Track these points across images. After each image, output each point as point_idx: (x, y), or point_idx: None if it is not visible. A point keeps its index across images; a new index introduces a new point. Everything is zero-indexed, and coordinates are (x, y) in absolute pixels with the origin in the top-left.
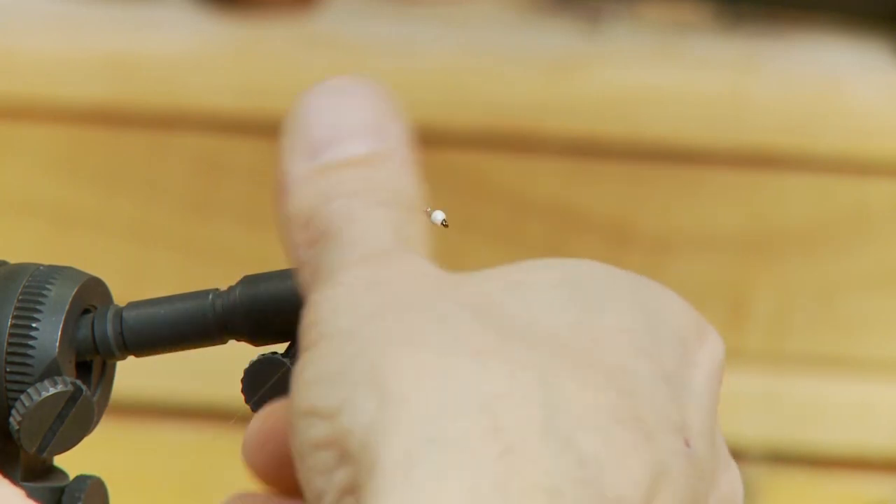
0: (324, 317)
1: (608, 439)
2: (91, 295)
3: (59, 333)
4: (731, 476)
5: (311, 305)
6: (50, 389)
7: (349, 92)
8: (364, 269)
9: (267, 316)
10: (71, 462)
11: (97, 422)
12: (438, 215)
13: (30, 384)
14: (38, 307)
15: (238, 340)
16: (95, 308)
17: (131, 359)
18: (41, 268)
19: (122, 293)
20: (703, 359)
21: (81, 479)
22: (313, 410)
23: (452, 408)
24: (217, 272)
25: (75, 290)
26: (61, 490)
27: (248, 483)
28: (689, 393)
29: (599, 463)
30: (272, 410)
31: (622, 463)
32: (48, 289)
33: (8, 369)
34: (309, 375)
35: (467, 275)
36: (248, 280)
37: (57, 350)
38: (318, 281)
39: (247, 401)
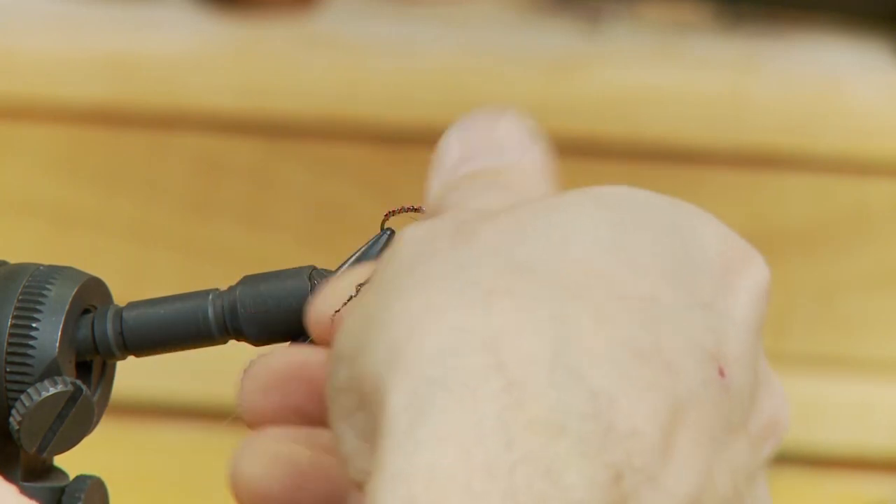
0: (377, 269)
1: (623, 372)
2: (91, 295)
3: (59, 333)
4: (775, 401)
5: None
6: (50, 389)
7: (485, 122)
8: (419, 227)
9: (267, 316)
10: (71, 462)
11: (97, 422)
12: None
13: (30, 384)
14: (38, 307)
15: (238, 340)
16: (95, 308)
17: (131, 359)
18: (41, 268)
19: (122, 293)
20: (746, 283)
21: (81, 479)
22: (340, 354)
23: (454, 348)
24: (217, 272)
25: (75, 290)
26: (61, 490)
27: None
28: (728, 319)
29: (611, 397)
30: (282, 354)
31: (637, 396)
32: (48, 289)
33: (8, 369)
34: (348, 321)
35: (503, 210)
36: (248, 280)
37: (57, 350)
38: None
39: None
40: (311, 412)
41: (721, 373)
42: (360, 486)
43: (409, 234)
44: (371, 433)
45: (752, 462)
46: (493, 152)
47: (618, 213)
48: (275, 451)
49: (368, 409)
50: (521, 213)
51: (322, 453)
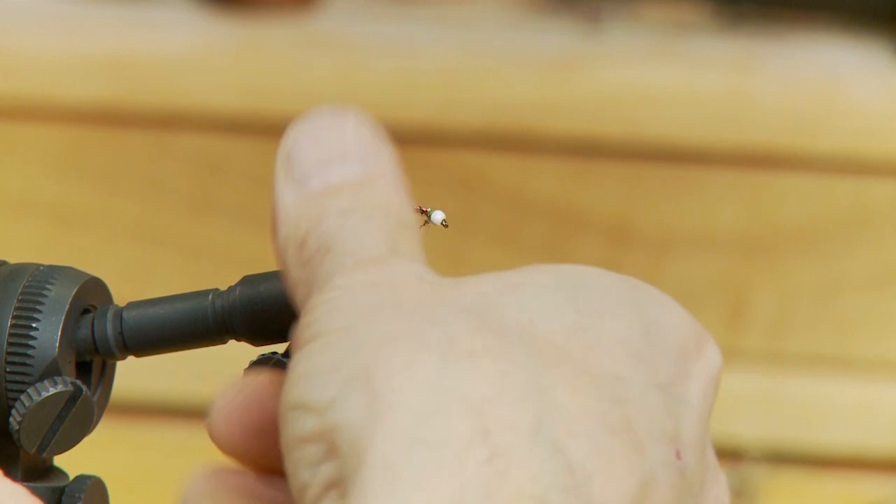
0: (319, 317)
1: (597, 447)
2: (91, 295)
3: (59, 333)
4: (718, 489)
5: (307, 310)
6: (50, 389)
7: (334, 121)
8: (360, 273)
9: (267, 316)
10: (71, 462)
11: (97, 422)
12: (438, 215)
13: (30, 384)
14: (38, 307)
15: (238, 340)
16: (95, 308)
17: (131, 359)
18: (41, 268)
19: (122, 293)
20: (700, 369)
21: (81, 479)
22: (303, 404)
23: (441, 408)
24: (217, 272)
25: (75, 290)
26: (61, 490)
27: None
28: (684, 403)
29: (587, 471)
30: (244, 384)
31: (611, 472)
32: (48, 289)
33: (8, 369)
34: (301, 370)
35: (464, 278)
36: (248, 280)
37: (57, 350)
38: (313, 291)
39: None
40: (267, 443)
41: (678, 455)
42: None
43: (348, 280)
44: (339, 484)
45: None
46: (347, 160)
47: (581, 296)
48: None
49: (339, 461)
50: (484, 286)
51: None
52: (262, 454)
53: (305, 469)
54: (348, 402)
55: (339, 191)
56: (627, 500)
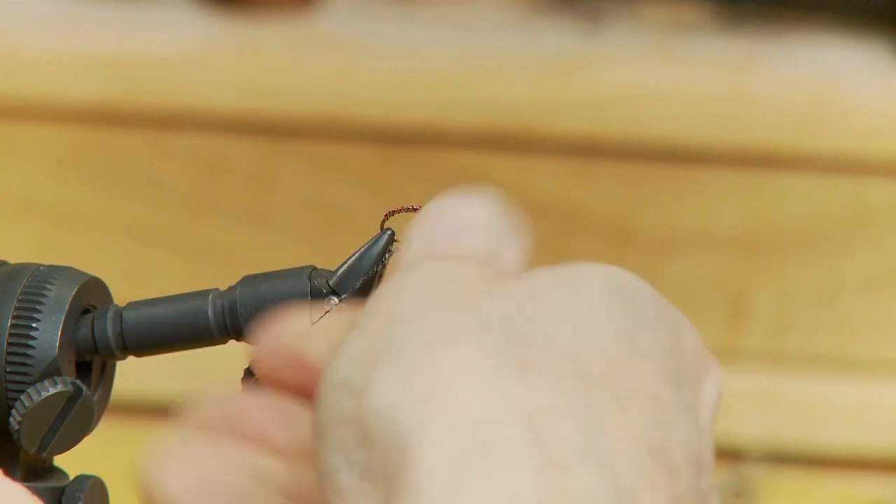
0: (383, 298)
1: (641, 469)
2: (91, 295)
3: (59, 333)
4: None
5: (379, 289)
6: (50, 389)
7: (471, 204)
8: (426, 266)
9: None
10: (71, 462)
11: (97, 422)
12: None
13: (30, 384)
14: (38, 307)
15: (238, 340)
16: (95, 308)
17: (131, 359)
18: (41, 268)
19: (122, 293)
20: (709, 391)
21: (81, 479)
22: (344, 383)
23: (496, 415)
24: (217, 272)
25: (75, 290)
26: (61, 490)
27: None
28: (703, 425)
29: (633, 492)
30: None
31: (652, 493)
32: (48, 289)
33: (8, 369)
34: (350, 348)
35: (524, 275)
36: (248, 280)
37: (57, 350)
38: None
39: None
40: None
41: (699, 476)
42: None
43: (428, 267)
44: (373, 473)
45: None
46: (473, 233)
47: (630, 303)
48: (206, 473)
49: (374, 449)
50: (536, 281)
51: (256, 485)
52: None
53: (336, 452)
54: (389, 390)
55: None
56: None
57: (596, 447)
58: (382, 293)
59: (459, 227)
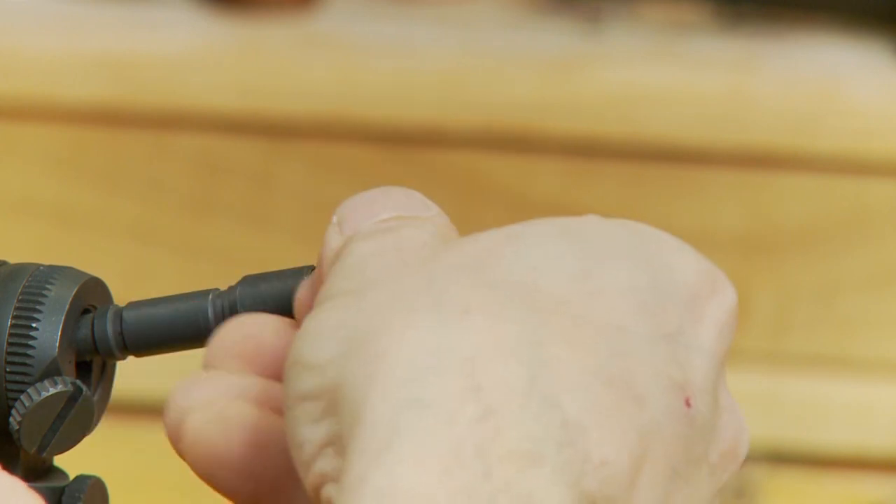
0: (332, 282)
1: (594, 401)
2: (91, 295)
3: (59, 333)
4: (735, 427)
5: (324, 278)
6: (50, 389)
7: (387, 188)
8: (370, 242)
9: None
10: (71, 462)
11: (97, 422)
12: None
13: (30, 384)
14: (38, 307)
15: None
16: (95, 308)
17: (131, 359)
18: (41, 268)
19: (122, 293)
20: (712, 311)
21: (81, 479)
22: (306, 362)
23: (434, 366)
24: (217, 272)
25: (75, 290)
26: (61, 490)
27: None
28: (696, 349)
29: (583, 426)
30: (245, 320)
31: (607, 424)
32: (48, 289)
33: (8, 369)
34: (308, 329)
35: (468, 236)
36: (248, 280)
37: (57, 350)
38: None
39: None
40: (269, 376)
41: (687, 403)
42: (316, 489)
43: (360, 248)
44: (337, 440)
45: (710, 491)
46: (393, 209)
47: (585, 244)
48: (233, 413)
49: (338, 418)
50: (485, 240)
51: (280, 418)
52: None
53: (304, 426)
54: (347, 361)
55: (385, 224)
56: (626, 452)
57: (539, 385)
58: (330, 277)
59: (376, 211)
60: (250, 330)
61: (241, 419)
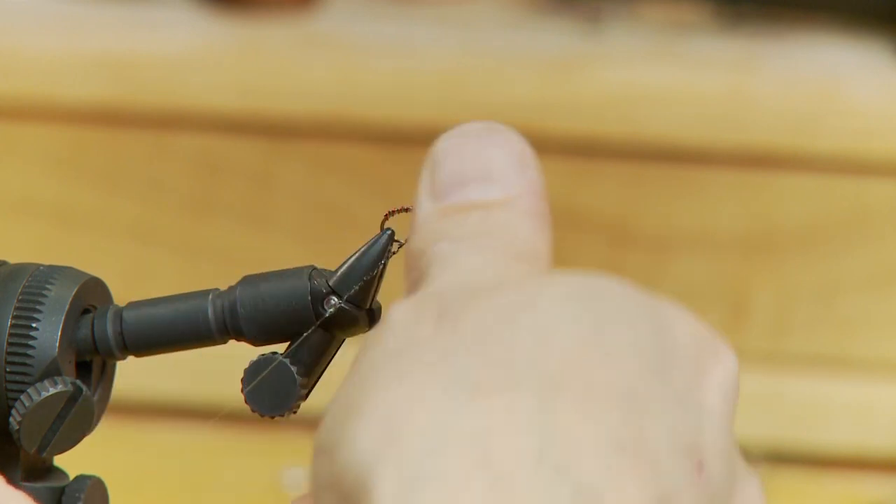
0: (360, 353)
1: (608, 467)
2: (91, 295)
3: (59, 333)
4: (749, 491)
5: (358, 352)
6: (50, 389)
7: (483, 136)
8: (406, 306)
9: (267, 316)
10: (71, 462)
11: (97, 422)
12: None
13: (30, 384)
14: (38, 307)
15: (238, 340)
16: (95, 308)
17: (131, 359)
18: (41, 268)
19: (122, 293)
20: (717, 377)
21: (81, 479)
22: (320, 446)
23: (444, 443)
24: (217, 272)
25: (75, 290)
26: (61, 490)
27: (246, 482)
28: (704, 412)
29: (598, 491)
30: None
31: (623, 489)
32: (48, 289)
33: (8, 369)
34: (329, 410)
35: (477, 298)
36: (248, 280)
37: (57, 350)
38: None
39: (244, 396)
40: None
41: (699, 467)
42: None
43: (394, 318)
44: None
45: None
46: (486, 178)
47: (596, 309)
48: None
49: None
50: (501, 304)
51: None
52: None
53: None
54: (351, 440)
55: (468, 211)
56: None
57: (552, 454)
58: (358, 355)
59: (470, 178)
60: None
61: None
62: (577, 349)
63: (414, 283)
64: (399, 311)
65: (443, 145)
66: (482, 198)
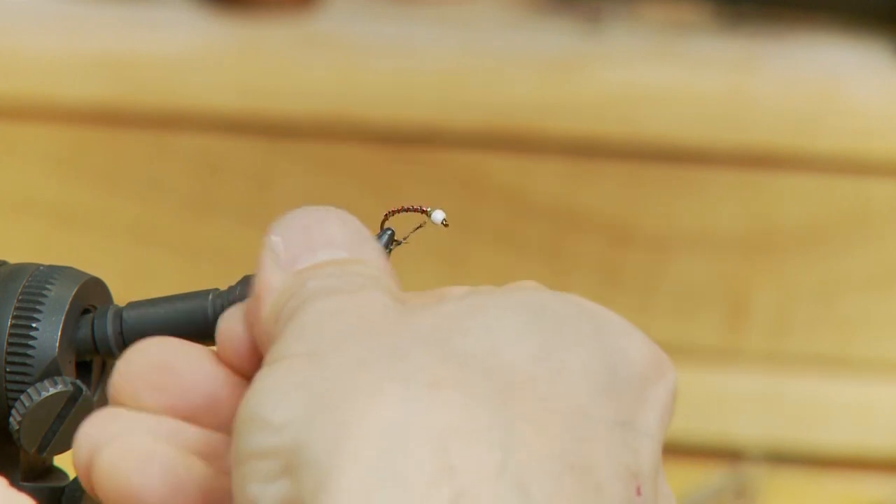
0: (286, 340)
1: (559, 489)
2: (91, 295)
3: (59, 333)
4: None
5: (276, 336)
6: (50, 389)
7: (321, 215)
8: (327, 301)
9: None
10: (71, 462)
11: None
12: (438, 215)
13: (30, 384)
14: (38, 307)
15: None
16: (95, 308)
17: None
18: (41, 268)
19: (122, 293)
20: (659, 394)
21: None
22: (262, 420)
23: (407, 442)
24: (217, 272)
25: (75, 290)
26: (61, 490)
27: None
28: (643, 436)
29: None
30: (158, 346)
31: None
32: (48, 289)
33: (8, 369)
34: (262, 385)
35: (430, 302)
36: (248, 280)
37: (57, 350)
38: (284, 324)
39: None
40: (181, 409)
41: (638, 491)
42: None
43: (318, 306)
44: (292, 502)
45: None
46: (332, 244)
47: (544, 322)
48: (151, 450)
49: (296, 481)
50: (447, 310)
51: (196, 460)
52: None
53: (256, 484)
54: (313, 424)
55: (325, 265)
56: None
57: (511, 469)
58: (283, 336)
59: (316, 246)
60: (161, 358)
61: (159, 458)
62: (527, 362)
63: (282, 319)
64: (323, 302)
65: (280, 228)
66: (333, 258)
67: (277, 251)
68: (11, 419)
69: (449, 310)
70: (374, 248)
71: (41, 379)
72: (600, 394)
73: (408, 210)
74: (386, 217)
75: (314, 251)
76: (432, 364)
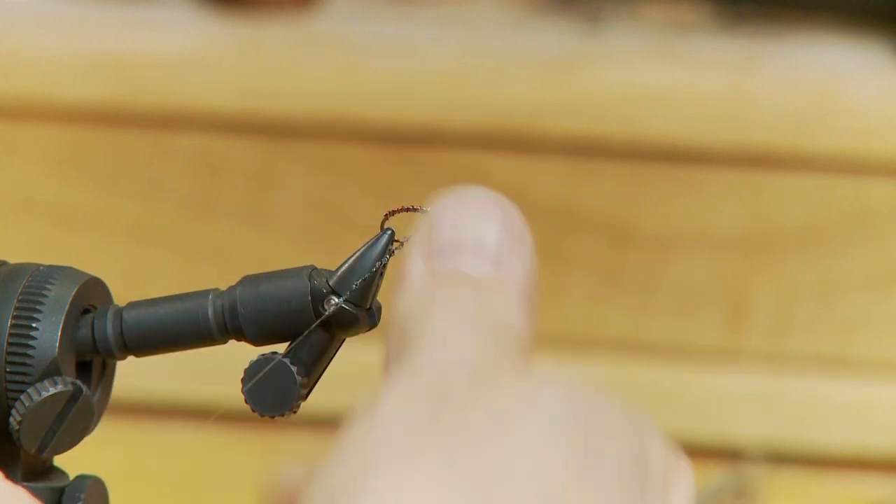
0: (353, 432)
1: None
2: (91, 295)
3: (59, 333)
4: None
5: (351, 421)
6: (50, 389)
7: (483, 206)
8: (395, 394)
9: (267, 316)
10: (71, 462)
11: (97, 422)
12: None
13: (30, 384)
14: (38, 307)
15: (238, 340)
16: (95, 308)
17: (131, 359)
18: (41, 268)
19: (122, 293)
20: (681, 496)
21: (81, 479)
22: None
23: None
24: (217, 272)
25: (75, 290)
26: (61, 490)
27: (246, 482)
28: None
29: None
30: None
31: None
32: (48, 289)
33: (8, 369)
34: (319, 484)
35: (477, 387)
36: (248, 280)
37: (57, 350)
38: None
39: (244, 396)
40: None
41: None
42: None
43: (386, 405)
44: None
45: None
46: (479, 252)
47: (589, 415)
48: None
49: None
50: (499, 409)
51: None
52: None
53: None
54: None
55: (460, 286)
56: None
57: None
58: (352, 426)
59: (464, 246)
60: None
61: None
62: (572, 465)
63: (396, 342)
64: (391, 398)
65: (441, 207)
66: (473, 271)
67: (429, 232)
68: (11, 419)
69: (498, 406)
70: (520, 263)
71: (41, 379)
72: (635, 489)
73: (408, 210)
74: (386, 217)
75: (458, 252)
76: (478, 477)
